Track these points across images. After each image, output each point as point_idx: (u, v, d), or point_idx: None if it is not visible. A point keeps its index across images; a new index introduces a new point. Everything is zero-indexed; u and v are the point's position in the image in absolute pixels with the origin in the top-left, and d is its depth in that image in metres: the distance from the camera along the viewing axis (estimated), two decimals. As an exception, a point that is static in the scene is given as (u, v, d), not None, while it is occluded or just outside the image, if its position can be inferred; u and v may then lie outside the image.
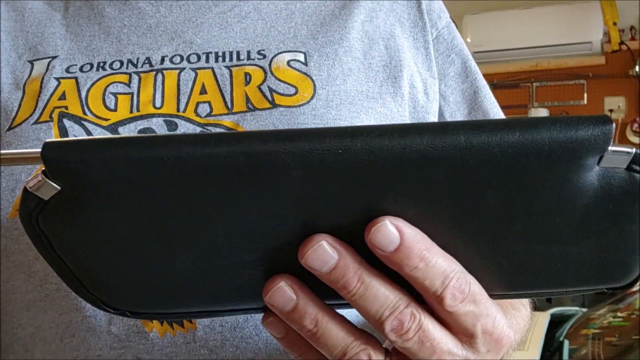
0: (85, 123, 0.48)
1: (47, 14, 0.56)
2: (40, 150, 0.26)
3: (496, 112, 0.60)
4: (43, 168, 0.27)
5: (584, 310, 1.48)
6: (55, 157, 0.26)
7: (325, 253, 0.28)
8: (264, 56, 0.52)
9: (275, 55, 0.52)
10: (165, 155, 0.26)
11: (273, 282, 0.30)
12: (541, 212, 0.28)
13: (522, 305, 0.54)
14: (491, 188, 0.27)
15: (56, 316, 0.46)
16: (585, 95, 3.26)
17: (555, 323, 1.56)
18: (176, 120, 0.49)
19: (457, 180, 0.27)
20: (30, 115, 0.50)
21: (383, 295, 0.29)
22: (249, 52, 0.52)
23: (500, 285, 0.32)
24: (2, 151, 0.27)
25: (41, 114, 0.49)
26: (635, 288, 1.35)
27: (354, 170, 0.26)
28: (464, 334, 0.31)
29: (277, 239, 0.29)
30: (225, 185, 0.27)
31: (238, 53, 0.52)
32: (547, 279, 0.31)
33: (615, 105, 3.18)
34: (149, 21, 0.54)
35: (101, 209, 0.28)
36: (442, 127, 0.26)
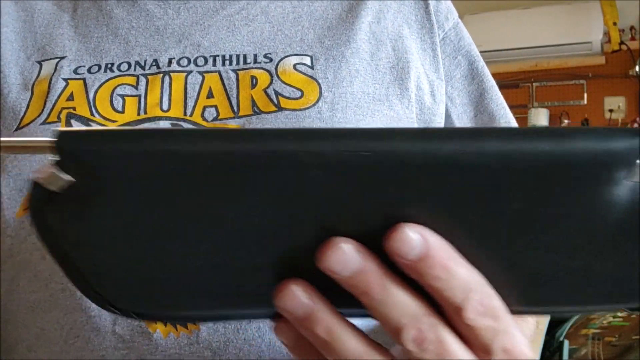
0: (93, 124, 0.49)
1: (55, 15, 0.56)
2: (52, 139, 0.25)
3: (502, 114, 0.60)
4: (54, 159, 0.26)
5: (584, 310, 1.48)
6: (70, 147, 0.25)
7: (348, 256, 0.27)
8: (271, 59, 0.52)
9: (281, 59, 0.52)
10: (184, 149, 0.25)
11: (285, 286, 0.29)
12: (568, 223, 0.28)
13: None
14: (518, 197, 0.27)
15: (61, 316, 0.46)
16: (585, 95, 3.26)
17: (555, 323, 1.56)
18: (183, 123, 0.49)
19: (484, 188, 0.26)
20: (39, 116, 0.50)
21: (404, 303, 0.28)
22: (255, 56, 0.52)
23: (521, 300, 0.31)
24: (9, 138, 0.26)
25: (49, 114, 0.50)
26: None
27: (379, 174, 0.26)
28: (481, 350, 0.29)
29: (292, 241, 0.28)
30: (243, 183, 0.26)
31: (245, 56, 0.52)
32: (569, 294, 0.31)
33: (615, 105, 3.18)
34: (156, 23, 0.54)
35: (114, 202, 0.27)
36: (474, 133, 0.26)
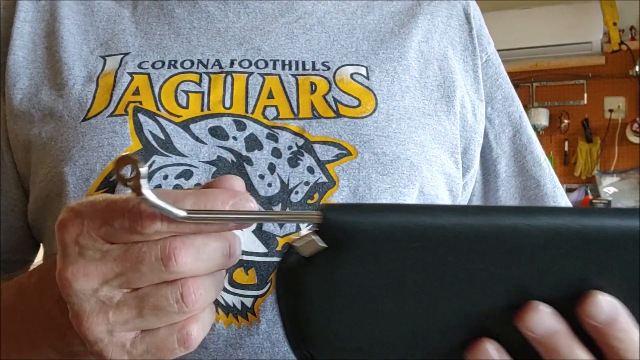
0: (159, 118, 0.51)
1: (115, 10, 0.58)
2: (318, 211, 0.30)
3: (534, 139, 0.64)
4: (312, 227, 0.30)
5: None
6: (333, 218, 0.30)
7: (545, 317, 0.32)
8: (328, 68, 0.55)
9: (338, 68, 0.55)
10: (425, 222, 0.29)
11: (480, 343, 0.33)
12: None
13: None
14: None
15: None
16: (585, 95, 3.27)
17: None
18: (245, 120, 0.51)
19: None
20: (105, 108, 0.51)
21: None
22: (313, 63, 0.55)
23: None
24: (282, 211, 0.31)
25: (116, 107, 0.51)
26: None
27: (581, 245, 0.30)
28: None
29: (493, 302, 0.32)
30: (469, 249, 0.30)
31: (303, 63, 0.55)
32: None
33: (615, 105, 3.18)
34: (217, 25, 0.56)
35: (354, 266, 0.31)
36: None
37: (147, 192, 0.30)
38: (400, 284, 0.31)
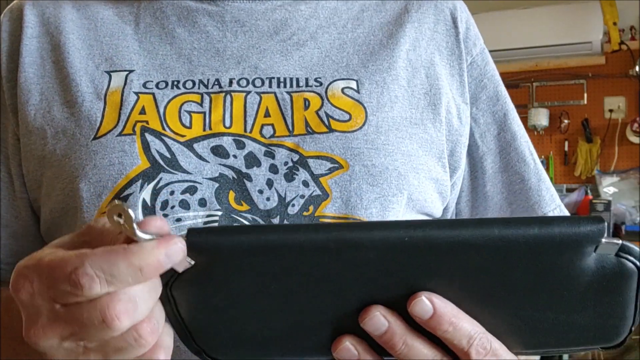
0: (165, 138, 0.53)
1: (118, 26, 0.60)
2: (185, 234, 0.35)
3: (522, 134, 0.65)
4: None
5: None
6: (197, 240, 0.35)
7: (379, 321, 0.38)
8: (321, 83, 0.57)
9: (330, 83, 0.57)
10: (275, 239, 0.35)
11: (340, 340, 0.39)
12: (553, 287, 0.37)
13: None
14: (516, 269, 0.36)
15: None
16: (585, 95, 3.27)
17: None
18: (244, 139, 0.54)
19: (490, 263, 0.36)
20: (115, 127, 0.54)
21: (422, 353, 0.38)
22: (307, 79, 0.57)
23: (519, 344, 0.40)
24: (147, 235, 0.34)
25: (124, 126, 0.54)
26: None
27: (414, 254, 0.35)
28: None
29: (347, 304, 0.38)
30: (318, 261, 0.35)
31: (297, 80, 0.57)
32: (556, 340, 0.40)
33: (615, 105, 3.19)
34: (216, 45, 0.59)
35: (221, 278, 0.36)
36: (481, 222, 0.35)
37: (139, 233, 0.34)
38: (266, 288, 0.37)
